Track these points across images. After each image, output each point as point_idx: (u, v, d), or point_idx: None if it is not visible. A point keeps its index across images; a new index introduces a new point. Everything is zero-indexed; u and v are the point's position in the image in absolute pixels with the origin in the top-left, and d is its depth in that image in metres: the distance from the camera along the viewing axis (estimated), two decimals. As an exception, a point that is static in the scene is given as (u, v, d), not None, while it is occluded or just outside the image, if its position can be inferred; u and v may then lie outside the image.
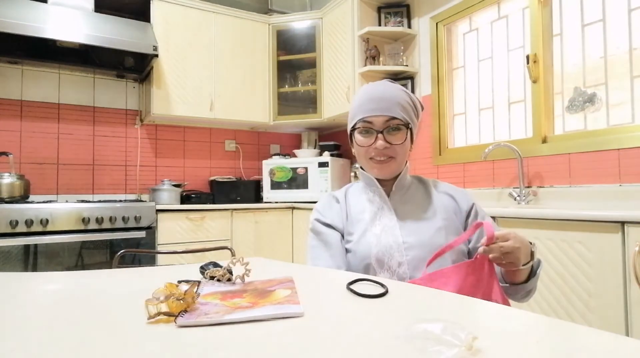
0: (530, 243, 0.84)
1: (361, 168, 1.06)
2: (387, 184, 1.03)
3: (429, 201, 1.01)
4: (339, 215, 1.03)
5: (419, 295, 0.64)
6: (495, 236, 0.77)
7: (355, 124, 0.99)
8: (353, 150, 1.06)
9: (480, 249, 0.78)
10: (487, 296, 0.78)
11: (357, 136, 1.00)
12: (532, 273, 0.86)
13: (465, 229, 0.99)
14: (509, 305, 0.83)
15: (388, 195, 1.01)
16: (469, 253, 0.97)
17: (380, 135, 0.95)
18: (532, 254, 0.83)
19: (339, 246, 0.99)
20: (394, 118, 0.95)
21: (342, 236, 1.03)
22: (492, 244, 0.77)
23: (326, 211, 1.05)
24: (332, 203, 1.06)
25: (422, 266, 0.89)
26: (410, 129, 0.98)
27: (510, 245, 0.77)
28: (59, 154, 2.85)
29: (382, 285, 0.66)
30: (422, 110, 1.06)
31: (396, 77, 2.92)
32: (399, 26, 2.88)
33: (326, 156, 3.08)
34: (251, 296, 0.60)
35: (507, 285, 0.88)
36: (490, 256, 0.78)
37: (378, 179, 1.02)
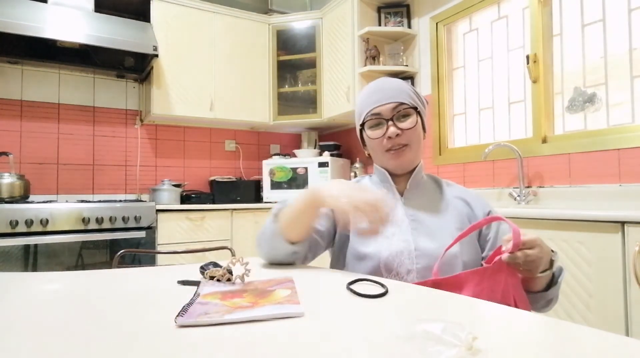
0: (552, 251, 0.79)
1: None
2: (400, 182, 1.00)
3: (444, 206, 0.97)
4: None
5: (419, 295, 0.64)
6: (522, 241, 0.71)
7: (364, 119, 0.97)
8: (366, 152, 1.03)
9: (505, 256, 0.71)
10: (507, 300, 0.73)
11: (368, 131, 0.97)
12: (554, 282, 0.82)
13: (479, 237, 0.95)
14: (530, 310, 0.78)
15: (402, 194, 0.99)
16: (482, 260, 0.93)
17: (390, 122, 0.93)
18: (551, 263, 0.79)
19: (316, 231, 0.95)
20: (401, 104, 0.93)
21: (333, 235, 1.00)
22: (517, 251, 0.71)
23: None
24: None
25: (431, 275, 0.85)
26: (420, 115, 0.96)
27: (535, 253, 0.71)
28: (59, 154, 2.85)
29: (382, 285, 0.66)
30: (427, 104, 1.03)
31: (396, 77, 2.91)
32: (399, 26, 2.88)
33: (326, 156, 3.09)
34: (251, 296, 0.60)
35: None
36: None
37: (392, 177, 0.99)
